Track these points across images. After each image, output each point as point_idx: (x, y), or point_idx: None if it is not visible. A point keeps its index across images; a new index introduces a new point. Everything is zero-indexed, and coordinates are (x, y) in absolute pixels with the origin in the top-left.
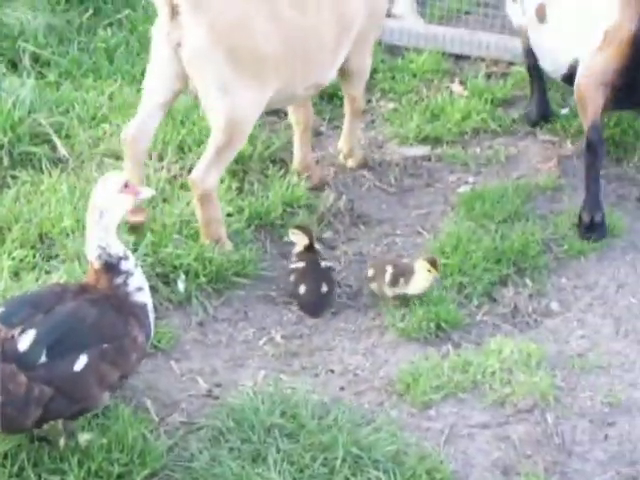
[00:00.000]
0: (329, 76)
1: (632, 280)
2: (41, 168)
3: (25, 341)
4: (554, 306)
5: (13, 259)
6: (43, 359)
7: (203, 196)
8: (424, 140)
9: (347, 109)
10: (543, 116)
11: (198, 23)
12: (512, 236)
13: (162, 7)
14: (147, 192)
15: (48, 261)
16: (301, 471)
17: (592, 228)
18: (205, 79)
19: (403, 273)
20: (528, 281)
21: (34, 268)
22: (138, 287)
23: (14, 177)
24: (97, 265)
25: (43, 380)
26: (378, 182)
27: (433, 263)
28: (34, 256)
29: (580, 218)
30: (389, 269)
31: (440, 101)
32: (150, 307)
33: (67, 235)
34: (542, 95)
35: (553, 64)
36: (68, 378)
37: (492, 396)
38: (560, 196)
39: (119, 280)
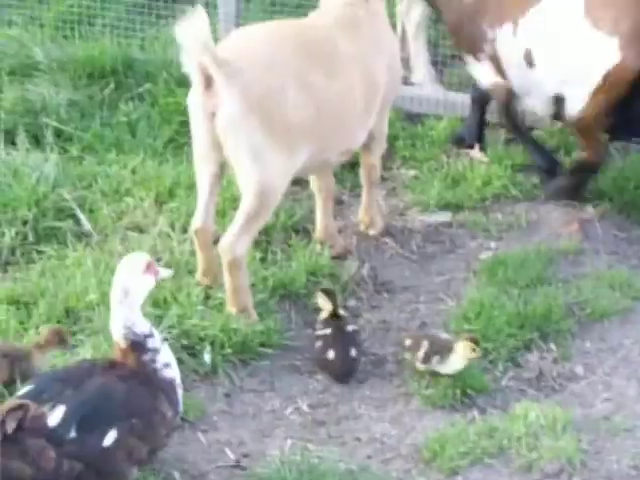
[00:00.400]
0: (360, 140)
1: None
2: (66, 242)
3: (55, 417)
4: (579, 370)
5: (40, 333)
6: (73, 434)
7: (233, 263)
8: (445, 206)
9: (365, 178)
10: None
11: (231, 92)
12: (535, 301)
13: (197, 77)
14: (166, 273)
15: (74, 335)
16: None
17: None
18: (238, 147)
19: (440, 351)
20: (552, 345)
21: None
22: (165, 363)
23: (39, 252)
24: (123, 344)
25: (72, 455)
26: (400, 249)
27: (476, 342)
28: None
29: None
30: (425, 344)
31: (460, 167)
32: (178, 382)
33: (92, 309)
34: (536, 144)
35: (542, 104)
36: (97, 453)
37: (519, 461)
38: (582, 259)
39: (146, 357)
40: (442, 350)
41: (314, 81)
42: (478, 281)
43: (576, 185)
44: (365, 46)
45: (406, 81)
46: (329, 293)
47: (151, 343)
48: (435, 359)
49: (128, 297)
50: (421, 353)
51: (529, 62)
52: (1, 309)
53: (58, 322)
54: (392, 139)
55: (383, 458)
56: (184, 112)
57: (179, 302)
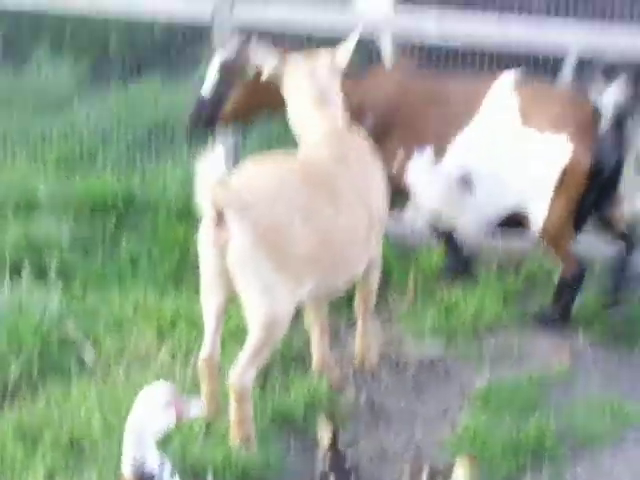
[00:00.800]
0: (362, 268)
1: None
2: (70, 374)
3: None
4: None
5: (46, 464)
6: None
7: (240, 394)
8: (439, 335)
9: (361, 308)
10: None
11: (242, 227)
12: (528, 427)
13: (208, 212)
14: (197, 410)
15: (80, 466)
16: None
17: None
18: (247, 279)
19: (441, 475)
20: (545, 471)
21: (67, 473)
22: None
23: (44, 384)
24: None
25: None
26: (396, 379)
27: (475, 461)
28: (66, 461)
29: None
30: (426, 470)
31: (453, 297)
32: None
33: (97, 440)
34: (460, 253)
35: (487, 220)
36: None
37: None
38: (573, 385)
39: None
40: (443, 474)
41: (319, 215)
42: (472, 408)
43: (565, 308)
44: (359, 177)
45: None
46: (328, 425)
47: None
48: None
49: (144, 432)
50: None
51: (468, 186)
52: (7, 440)
53: (64, 453)
54: (387, 271)
55: None
56: (183, 246)
57: (181, 432)
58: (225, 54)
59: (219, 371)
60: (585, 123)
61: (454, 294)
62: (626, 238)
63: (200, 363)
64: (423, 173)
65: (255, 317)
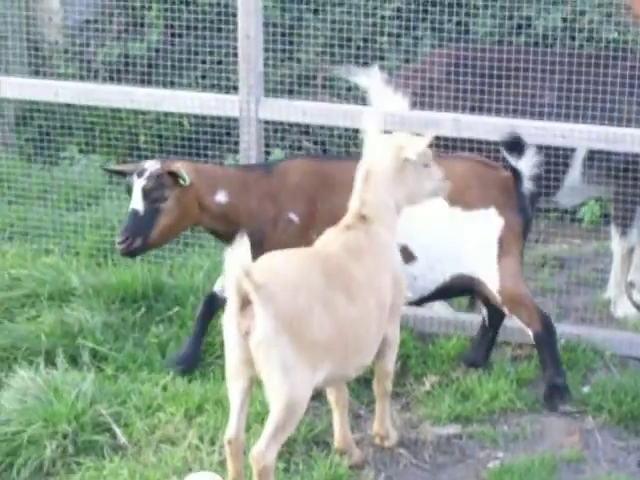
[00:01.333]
0: (373, 356)
1: None
2: (103, 454)
3: None
4: None
5: None
6: None
7: (263, 471)
8: (456, 419)
9: (378, 389)
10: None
11: (266, 313)
12: None
13: (233, 299)
14: None
15: None
16: None
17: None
18: (270, 363)
19: None
20: None
21: None
22: None
23: (78, 463)
24: None
25: None
26: (414, 460)
27: None
28: None
29: (554, 387)
30: None
31: (469, 383)
32: None
33: None
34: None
35: (429, 290)
36: None
37: None
38: (583, 468)
39: None
40: None
41: (336, 305)
42: None
43: (557, 366)
44: (372, 269)
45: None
46: None
47: None
48: None
49: None
50: None
51: (407, 258)
52: None
53: None
54: (405, 357)
55: None
56: (209, 333)
57: None
58: (143, 182)
59: (244, 452)
60: (505, 189)
61: (469, 380)
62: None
63: (226, 444)
64: None
65: (276, 398)
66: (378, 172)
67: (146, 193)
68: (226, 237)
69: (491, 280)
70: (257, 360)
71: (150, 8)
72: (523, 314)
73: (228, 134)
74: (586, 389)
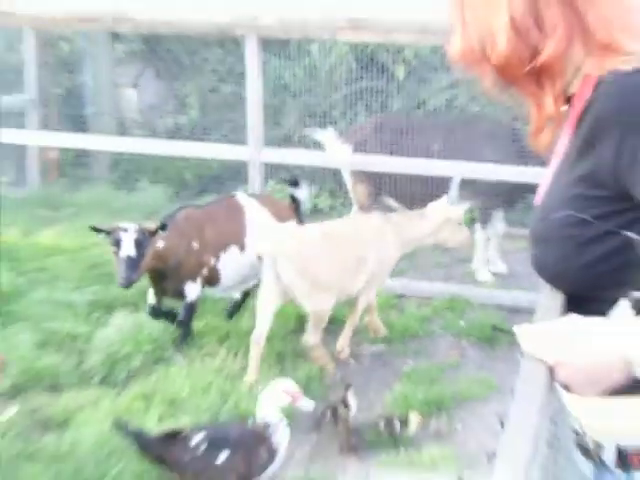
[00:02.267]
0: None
1: None
2: (170, 365)
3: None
4: None
5: None
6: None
7: (313, 348)
8: (382, 341)
9: (351, 319)
10: None
11: (291, 270)
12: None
13: (268, 273)
14: (306, 404)
15: None
16: None
17: None
18: (302, 296)
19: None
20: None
21: None
22: (279, 441)
23: (155, 371)
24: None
25: None
26: (357, 365)
27: None
28: None
29: None
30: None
31: (391, 321)
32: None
33: None
34: None
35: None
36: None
37: None
38: (460, 369)
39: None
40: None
41: (337, 260)
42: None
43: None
44: (366, 249)
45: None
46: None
47: (273, 433)
48: None
49: (268, 400)
50: None
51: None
52: None
53: None
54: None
55: None
56: None
57: None
58: (135, 236)
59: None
60: (294, 210)
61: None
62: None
63: (252, 341)
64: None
65: (310, 313)
66: None
67: (137, 244)
68: (155, 277)
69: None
70: (295, 296)
71: (189, 95)
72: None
73: (239, 172)
74: (462, 322)
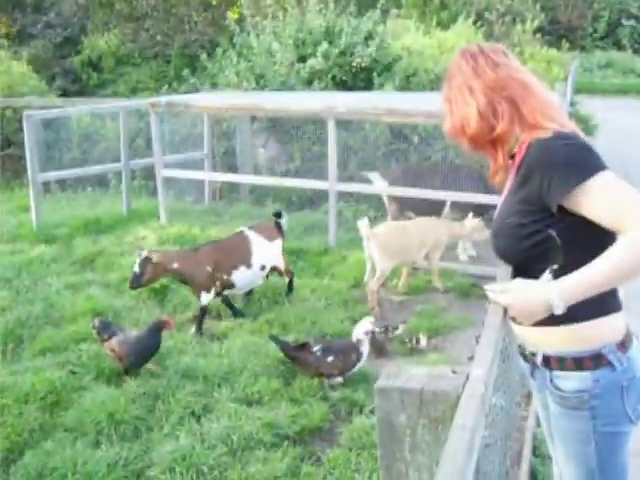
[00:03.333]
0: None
1: None
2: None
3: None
4: None
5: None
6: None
7: (372, 293)
8: (405, 294)
9: (404, 273)
10: None
11: (376, 244)
12: None
13: (366, 240)
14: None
15: None
16: None
17: None
18: (376, 258)
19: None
20: None
21: None
22: (363, 352)
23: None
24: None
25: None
26: (391, 308)
27: None
28: None
29: None
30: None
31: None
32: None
33: None
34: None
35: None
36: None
37: None
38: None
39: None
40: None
41: (407, 243)
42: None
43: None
44: (424, 233)
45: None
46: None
47: (361, 346)
48: None
49: (358, 332)
50: None
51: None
52: None
53: None
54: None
55: None
56: None
57: None
58: (139, 260)
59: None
60: (279, 230)
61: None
62: None
63: (370, 290)
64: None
65: (378, 270)
66: None
67: (140, 264)
68: (182, 282)
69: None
70: (373, 258)
71: (295, 152)
72: (288, 274)
73: (323, 197)
74: (450, 284)
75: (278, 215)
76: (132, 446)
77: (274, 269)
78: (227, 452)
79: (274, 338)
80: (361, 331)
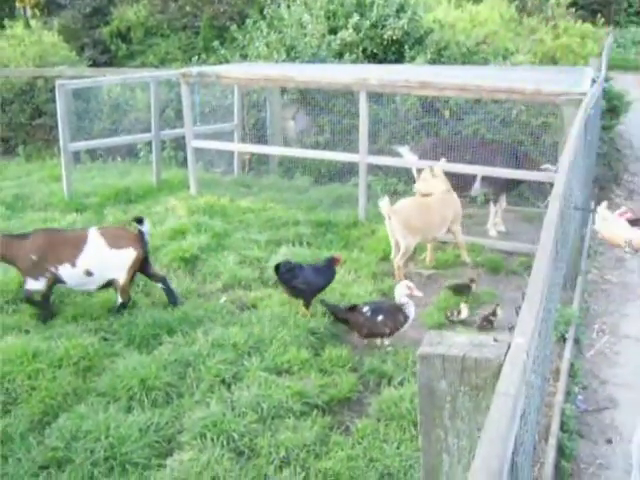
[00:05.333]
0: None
1: None
2: None
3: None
4: None
5: None
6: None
7: (398, 268)
8: (433, 267)
9: (429, 249)
10: None
11: (398, 222)
12: None
13: (388, 219)
14: (418, 294)
15: None
16: None
17: None
18: (399, 236)
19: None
20: None
21: None
22: (409, 314)
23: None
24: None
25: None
26: (421, 281)
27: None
28: None
29: None
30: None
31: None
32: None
33: None
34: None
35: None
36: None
37: None
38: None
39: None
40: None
41: (427, 219)
42: None
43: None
44: (443, 208)
45: None
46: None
47: (406, 308)
48: None
49: (398, 294)
50: None
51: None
52: None
53: None
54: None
55: None
56: None
57: None
58: None
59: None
60: (136, 239)
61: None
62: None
63: (396, 265)
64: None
65: (402, 247)
66: None
67: None
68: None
69: (121, 280)
70: (395, 236)
71: (325, 124)
72: (124, 296)
73: (353, 169)
74: (479, 258)
75: (139, 221)
76: (163, 412)
77: (110, 282)
78: (257, 420)
79: (324, 302)
80: (402, 294)
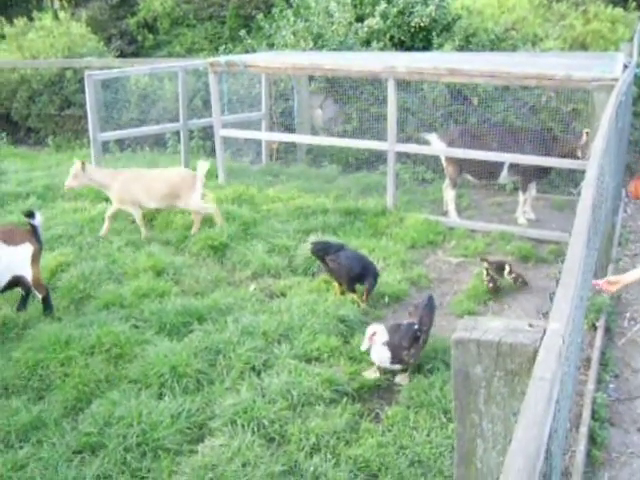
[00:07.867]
0: None
1: None
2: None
3: None
4: None
5: None
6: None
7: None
8: (456, 257)
9: None
10: None
11: None
12: None
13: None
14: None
15: None
16: None
17: None
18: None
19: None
20: None
21: None
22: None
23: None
24: None
25: None
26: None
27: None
28: None
29: None
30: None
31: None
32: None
33: None
34: None
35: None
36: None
37: None
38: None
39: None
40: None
41: None
42: None
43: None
44: None
45: None
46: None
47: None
48: None
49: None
50: None
51: None
52: None
53: None
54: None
55: None
56: None
57: None
58: None
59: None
60: (30, 233)
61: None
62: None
63: None
64: None
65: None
66: None
67: None
68: None
69: (29, 276)
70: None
71: (352, 113)
72: (37, 286)
73: (381, 157)
74: (508, 247)
75: (29, 215)
76: (194, 398)
77: (17, 280)
78: (287, 407)
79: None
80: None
